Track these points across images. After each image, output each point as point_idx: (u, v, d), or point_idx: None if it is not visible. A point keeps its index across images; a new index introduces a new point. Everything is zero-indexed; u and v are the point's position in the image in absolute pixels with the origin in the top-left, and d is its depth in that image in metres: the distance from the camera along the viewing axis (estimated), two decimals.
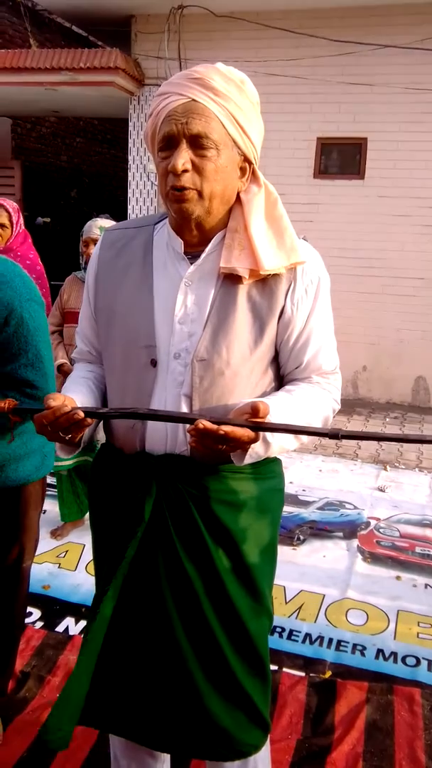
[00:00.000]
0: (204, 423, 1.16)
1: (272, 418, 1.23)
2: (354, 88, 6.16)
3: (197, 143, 1.24)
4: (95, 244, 3.20)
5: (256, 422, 1.19)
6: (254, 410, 1.19)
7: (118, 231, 1.48)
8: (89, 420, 1.26)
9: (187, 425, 1.27)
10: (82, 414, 1.23)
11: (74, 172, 10.90)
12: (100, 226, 3.16)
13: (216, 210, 1.30)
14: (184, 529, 1.36)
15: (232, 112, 1.25)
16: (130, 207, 7.15)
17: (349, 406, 6.32)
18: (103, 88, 6.58)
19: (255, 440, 1.22)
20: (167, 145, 1.26)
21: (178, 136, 1.24)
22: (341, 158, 6.51)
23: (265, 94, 6.40)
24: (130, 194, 7.14)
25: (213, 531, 1.37)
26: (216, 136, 1.24)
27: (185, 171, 1.24)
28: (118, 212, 9.78)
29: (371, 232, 6.38)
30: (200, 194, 1.26)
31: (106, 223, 3.21)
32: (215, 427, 1.16)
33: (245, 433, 1.19)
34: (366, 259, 6.41)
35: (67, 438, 1.27)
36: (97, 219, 3.26)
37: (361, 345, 6.50)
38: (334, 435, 1.18)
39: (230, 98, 1.25)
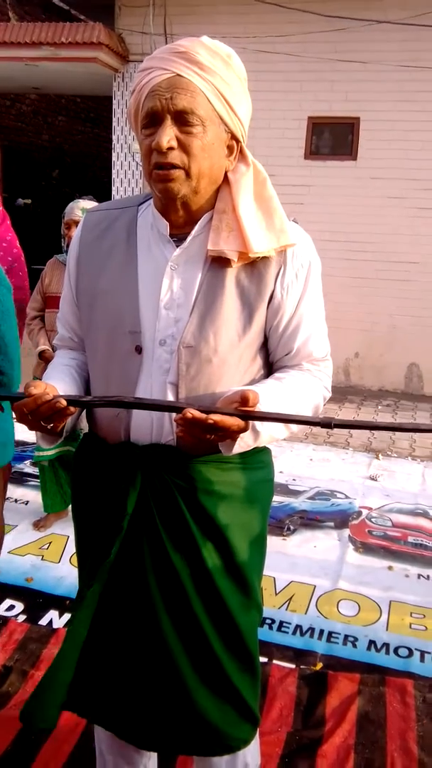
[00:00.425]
0: (192, 412, 1.15)
1: (262, 406, 1.23)
2: (346, 66, 6.14)
3: (182, 119, 1.22)
4: (78, 226, 3.18)
5: (246, 411, 1.19)
6: (243, 399, 1.19)
7: (100, 212, 1.46)
8: (72, 408, 1.25)
9: (174, 414, 1.26)
10: (64, 402, 1.22)
11: (56, 152, 10.80)
12: (82, 207, 3.14)
13: (203, 189, 1.29)
14: (171, 521, 1.36)
15: (218, 88, 1.24)
16: (114, 188, 7.10)
17: (341, 393, 6.34)
18: (86, 64, 6.51)
19: (244, 429, 1.22)
20: (151, 121, 1.24)
21: (162, 112, 1.22)
22: (333, 138, 6.50)
23: (254, 72, 6.33)
24: (114, 175, 7.09)
25: (200, 523, 1.37)
26: (202, 111, 1.22)
27: (171, 148, 1.22)
28: (102, 193, 9.70)
29: (364, 215, 6.38)
30: (187, 173, 1.25)
31: (88, 204, 3.18)
32: (204, 416, 1.16)
33: (234, 422, 1.18)
34: (359, 242, 6.41)
35: (48, 427, 1.27)
36: (79, 200, 3.23)
37: (354, 331, 6.51)
38: (327, 424, 1.18)
39: (216, 73, 1.23)
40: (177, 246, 1.34)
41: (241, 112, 1.29)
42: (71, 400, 1.24)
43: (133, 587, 1.39)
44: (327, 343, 1.45)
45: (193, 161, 1.24)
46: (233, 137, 1.30)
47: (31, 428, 1.28)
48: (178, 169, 1.24)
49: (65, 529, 3.31)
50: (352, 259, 6.42)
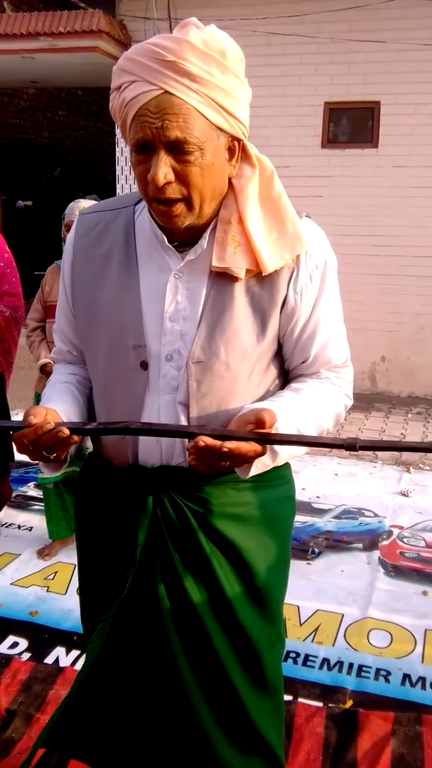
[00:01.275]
0: (205, 440, 1.14)
1: (280, 425, 1.22)
2: (364, 46, 6.10)
3: (177, 148, 1.19)
4: None
5: (262, 434, 1.18)
6: (259, 422, 1.18)
7: (93, 214, 1.45)
8: (75, 437, 1.24)
9: (186, 440, 1.25)
10: (67, 432, 1.21)
11: (57, 149, 10.87)
12: (83, 207, 3.13)
13: (207, 210, 1.28)
14: (185, 548, 1.35)
15: (214, 99, 1.18)
16: (119, 186, 7.13)
17: (367, 401, 6.29)
18: (86, 55, 6.54)
19: (261, 454, 1.21)
20: (142, 149, 1.21)
21: (154, 141, 1.18)
22: (352, 125, 6.47)
23: (265, 56, 6.33)
24: (118, 171, 7.11)
25: (217, 548, 1.36)
26: (198, 134, 1.18)
27: (168, 183, 1.20)
28: (107, 192, 9.74)
29: (387, 206, 6.34)
30: (189, 204, 1.23)
31: (89, 203, 3.17)
32: (218, 443, 1.15)
33: (251, 447, 1.17)
34: (382, 236, 6.36)
35: (51, 457, 1.26)
36: (80, 200, 3.23)
37: (378, 333, 6.46)
38: (351, 446, 1.16)
39: (211, 82, 1.17)
40: (180, 252, 1.32)
41: (241, 113, 1.24)
42: (74, 429, 1.23)
43: (146, 621, 1.38)
44: (346, 347, 1.44)
45: (193, 191, 1.22)
46: (234, 138, 1.27)
47: (32, 459, 1.28)
48: (179, 204, 1.23)
49: (72, 557, 3.27)
50: (374, 255, 6.37)
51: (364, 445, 1.17)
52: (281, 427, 1.23)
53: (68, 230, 3.12)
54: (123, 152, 7.04)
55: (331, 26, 6.16)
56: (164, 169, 1.18)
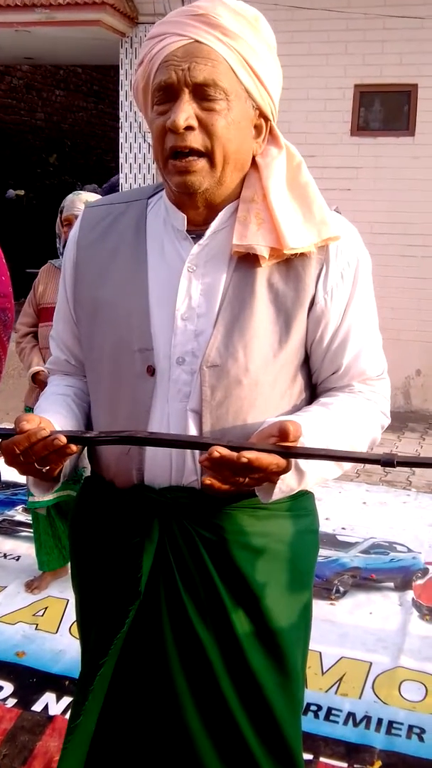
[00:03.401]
0: (220, 450, 1.14)
1: (306, 441, 1.22)
2: (400, 22, 6.15)
3: (203, 93, 1.23)
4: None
5: (288, 446, 1.17)
6: (282, 433, 1.17)
7: (102, 207, 1.47)
8: (73, 447, 1.23)
9: (198, 452, 1.25)
10: (63, 439, 1.20)
11: (53, 133, 10.98)
12: (86, 200, 3.16)
13: (228, 178, 1.30)
14: (195, 581, 1.35)
15: (244, 55, 1.24)
16: (122, 175, 7.19)
17: (400, 420, 6.28)
18: (88, 29, 6.63)
19: (285, 470, 1.20)
20: (164, 97, 1.25)
21: (179, 85, 1.23)
22: (385, 110, 6.51)
23: (289, 32, 6.37)
24: (122, 159, 7.18)
25: (231, 584, 1.36)
26: (226, 83, 1.23)
27: (189, 128, 1.23)
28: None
29: (425, 201, 6.36)
30: (211, 161, 1.26)
31: (92, 197, 3.21)
32: (235, 454, 1.14)
33: (273, 460, 1.17)
34: (419, 235, 6.38)
35: (44, 470, 1.26)
36: (82, 192, 3.26)
37: (413, 344, 6.46)
38: (388, 461, 1.15)
39: (241, 38, 1.24)
40: (196, 243, 1.34)
41: (270, 84, 1.30)
42: (72, 437, 1.23)
43: (150, 664, 1.38)
44: (383, 357, 1.44)
45: (216, 144, 1.25)
46: (261, 115, 1.31)
47: (22, 472, 1.27)
48: (199, 158, 1.25)
49: (64, 591, 3.28)
50: (411, 256, 6.39)
51: (404, 461, 1.15)
52: (308, 443, 1.22)
53: (67, 226, 3.15)
54: (127, 137, 7.11)
55: (362, 0, 6.21)
56: (187, 110, 1.22)
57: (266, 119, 1.32)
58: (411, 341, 6.43)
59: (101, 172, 11.12)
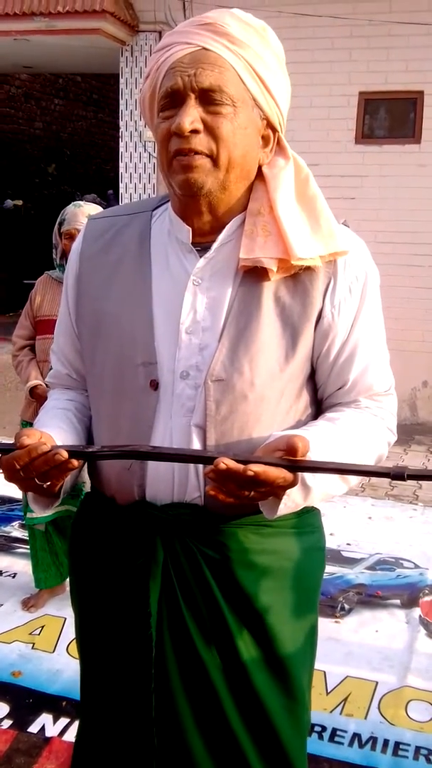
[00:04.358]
0: (226, 462, 1.14)
1: (313, 456, 1.22)
2: (406, 29, 6.19)
3: (209, 98, 1.25)
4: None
5: (294, 461, 1.18)
6: (291, 448, 1.17)
7: (105, 219, 1.48)
8: (75, 462, 1.23)
9: (203, 466, 1.25)
10: (65, 454, 1.20)
11: (52, 142, 11.04)
12: (88, 214, 3.17)
13: (233, 185, 1.31)
14: (198, 603, 1.35)
15: (251, 63, 1.27)
16: (122, 185, 7.22)
17: (406, 432, 6.27)
18: (88, 37, 6.68)
19: (292, 484, 1.20)
20: (170, 102, 1.27)
21: (185, 90, 1.24)
22: (390, 118, 6.54)
23: (293, 40, 6.38)
24: (122, 169, 7.21)
25: (236, 606, 1.35)
26: (232, 90, 1.25)
27: (195, 132, 1.24)
28: (108, 191, 9.87)
29: (430, 209, 6.37)
30: (214, 161, 1.27)
31: (94, 209, 3.22)
32: (241, 467, 1.14)
33: (280, 474, 1.17)
34: (425, 245, 6.40)
35: (45, 486, 1.26)
36: (82, 204, 3.27)
37: (421, 355, 6.46)
38: (399, 475, 1.14)
39: (249, 46, 1.26)
40: (201, 256, 1.34)
41: (278, 94, 1.31)
42: (74, 452, 1.23)
43: (155, 687, 1.37)
44: (390, 373, 1.45)
45: (222, 146, 1.26)
46: (269, 125, 1.33)
47: (22, 488, 1.28)
48: (203, 157, 1.26)
49: (62, 609, 3.28)
50: (416, 266, 6.40)
51: (415, 474, 1.14)
52: (315, 458, 1.22)
53: (68, 238, 3.16)
54: (127, 147, 7.14)
55: (367, 5, 6.26)
56: (193, 114, 1.24)
57: (274, 130, 1.34)
58: (417, 352, 6.43)
59: (101, 181, 11.17)
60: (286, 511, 1.27)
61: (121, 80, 7.07)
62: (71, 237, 3.15)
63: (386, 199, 6.45)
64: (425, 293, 6.42)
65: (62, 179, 11.06)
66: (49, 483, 1.25)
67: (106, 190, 9.98)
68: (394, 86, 6.39)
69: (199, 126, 1.24)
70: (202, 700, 1.36)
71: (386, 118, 6.57)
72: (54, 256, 3.31)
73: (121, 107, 7.12)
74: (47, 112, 10.89)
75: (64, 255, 3.20)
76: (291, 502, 1.25)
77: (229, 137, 1.25)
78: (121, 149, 7.18)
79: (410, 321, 6.33)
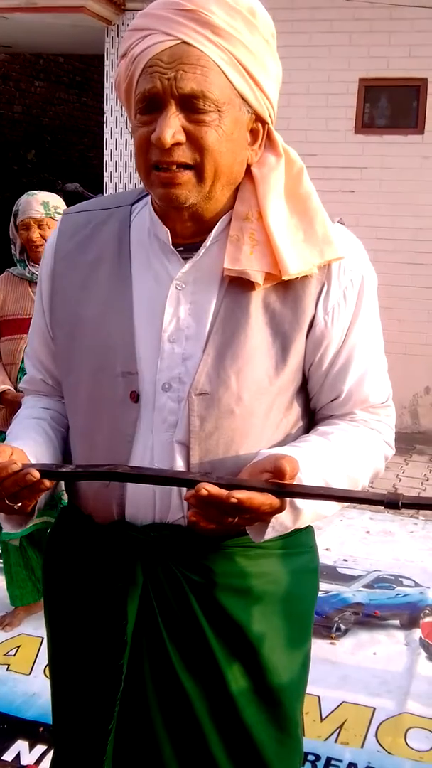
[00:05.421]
0: (208, 488, 1.13)
1: (303, 476, 1.22)
2: (409, 12, 6.20)
3: (191, 105, 1.20)
4: (39, 227, 3.18)
5: (282, 485, 1.17)
6: (278, 472, 1.16)
7: (81, 213, 1.47)
8: (47, 483, 1.23)
9: (185, 488, 1.24)
10: (37, 474, 1.20)
11: (32, 127, 11.01)
12: (44, 201, 3.17)
13: (219, 193, 1.28)
14: (181, 630, 1.35)
15: (239, 58, 1.22)
16: (106, 173, 7.21)
17: (407, 441, 6.28)
18: (71, 15, 6.66)
19: (279, 510, 1.20)
20: (149, 106, 1.22)
21: (164, 95, 1.20)
22: (392, 106, 6.55)
23: (289, 21, 6.37)
24: (106, 156, 7.20)
25: (222, 634, 1.35)
26: (217, 93, 1.20)
27: (177, 144, 1.21)
28: (92, 180, 9.84)
29: None
30: (199, 174, 1.24)
31: (51, 197, 3.22)
32: (224, 493, 1.13)
33: (266, 500, 1.16)
34: (428, 241, 6.41)
35: (16, 507, 1.25)
36: (36, 192, 3.26)
37: (423, 359, 6.47)
38: (392, 504, 1.15)
39: (236, 38, 1.21)
40: (184, 258, 1.33)
41: (268, 86, 1.28)
42: (46, 471, 1.23)
43: (130, 719, 1.37)
44: (387, 383, 1.44)
45: (207, 158, 1.23)
46: (258, 118, 1.30)
47: None
48: (186, 171, 1.23)
49: (39, 628, 3.25)
50: (419, 263, 6.41)
51: (410, 502, 1.15)
52: (305, 479, 1.22)
53: (25, 229, 3.15)
54: (112, 133, 7.13)
55: None
56: (174, 125, 1.19)
57: (263, 123, 1.30)
58: (419, 356, 6.44)
59: (84, 169, 11.14)
60: (275, 535, 1.27)
61: (106, 62, 7.06)
62: (27, 227, 3.16)
63: (388, 193, 6.45)
64: (429, 293, 6.43)
65: (42, 166, 11.02)
66: (20, 504, 1.25)
67: (89, 178, 9.96)
68: (396, 73, 6.39)
69: (182, 137, 1.21)
70: (183, 734, 1.35)
71: (388, 106, 6.57)
72: (13, 251, 3.28)
73: (106, 91, 7.11)
74: (27, 94, 10.85)
75: (24, 250, 3.20)
76: (279, 525, 1.25)
77: (215, 147, 1.22)
78: (106, 135, 7.17)
79: (412, 323, 6.34)
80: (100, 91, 8.70)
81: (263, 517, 1.20)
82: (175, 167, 1.22)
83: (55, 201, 3.22)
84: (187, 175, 1.23)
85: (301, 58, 6.22)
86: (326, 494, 1.20)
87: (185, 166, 1.22)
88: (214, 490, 1.13)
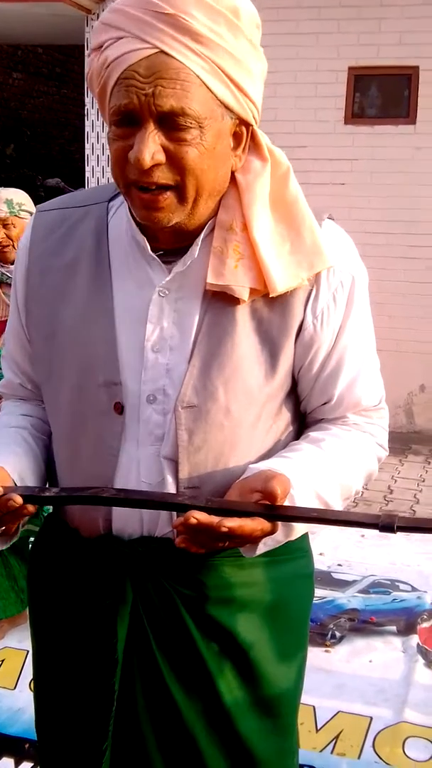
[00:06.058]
0: (197, 516, 1.13)
1: (296, 492, 1.22)
2: None
3: (171, 123, 1.17)
4: (3, 227, 3.17)
5: (274, 507, 1.17)
6: (269, 496, 1.16)
7: (56, 212, 1.44)
8: (30, 507, 1.23)
9: (174, 513, 1.25)
10: (19, 500, 1.20)
11: (10, 121, 10.99)
12: (7, 199, 3.16)
13: (202, 208, 1.26)
14: (173, 647, 1.35)
15: (221, 66, 1.18)
16: (88, 168, 7.19)
17: (402, 441, 6.30)
18: (50, 5, 6.65)
19: (271, 533, 1.20)
20: (125, 120, 1.19)
21: (142, 112, 1.16)
22: (383, 95, 6.56)
23: (275, 8, 6.39)
24: (88, 150, 7.19)
25: (214, 644, 1.35)
26: (198, 108, 1.17)
27: (157, 165, 1.18)
28: (73, 175, 9.84)
29: (428, 197, 6.40)
30: (181, 195, 1.22)
31: (18, 196, 3.21)
32: (215, 521, 1.13)
33: (257, 526, 1.16)
34: (421, 235, 6.41)
35: None
36: (1, 189, 3.26)
37: (417, 356, 6.48)
38: (388, 527, 1.14)
39: (219, 45, 1.17)
40: (165, 263, 1.31)
41: (253, 90, 1.24)
42: (29, 496, 1.23)
43: (123, 741, 1.37)
44: (380, 384, 1.44)
45: (188, 177, 1.20)
46: (242, 122, 1.26)
47: None
48: (167, 192, 1.21)
49: (23, 641, 3.25)
50: (412, 258, 6.42)
51: (405, 525, 1.14)
52: (298, 495, 1.22)
53: None
54: (94, 126, 7.12)
55: None
56: (153, 146, 1.16)
57: (247, 125, 1.27)
58: (413, 353, 6.45)
59: (65, 164, 11.13)
60: (266, 549, 1.27)
61: (87, 52, 7.04)
62: None
63: (379, 185, 6.45)
64: (422, 288, 6.44)
65: (22, 161, 11.00)
66: (3, 528, 1.25)
67: (70, 173, 9.95)
68: (386, 61, 6.39)
69: (161, 157, 1.18)
70: (178, 751, 1.36)
71: (378, 95, 6.58)
72: None
73: (87, 82, 7.10)
74: (4, 87, 10.84)
75: None
76: (271, 540, 1.25)
77: (196, 165, 1.20)
78: (87, 128, 7.15)
79: (405, 319, 6.35)
80: (80, 83, 8.69)
81: (254, 540, 1.20)
82: (155, 188, 1.20)
83: (20, 198, 3.22)
84: (169, 198, 1.21)
85: (288, 47, 6.22)
86: (319, 517, 1.20)
87: (165, 187, 1.20)
88: (204, 518, 1.13)
